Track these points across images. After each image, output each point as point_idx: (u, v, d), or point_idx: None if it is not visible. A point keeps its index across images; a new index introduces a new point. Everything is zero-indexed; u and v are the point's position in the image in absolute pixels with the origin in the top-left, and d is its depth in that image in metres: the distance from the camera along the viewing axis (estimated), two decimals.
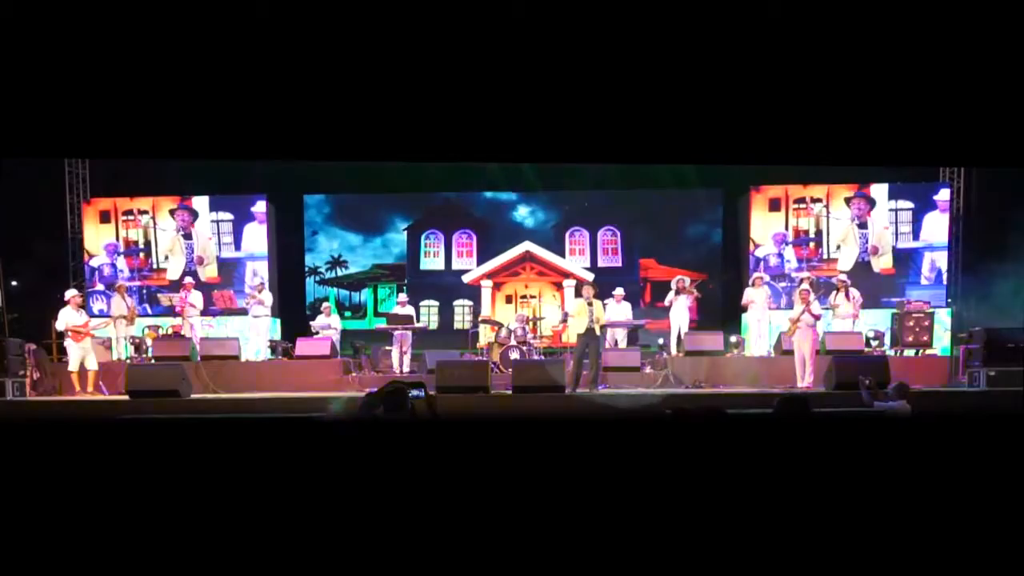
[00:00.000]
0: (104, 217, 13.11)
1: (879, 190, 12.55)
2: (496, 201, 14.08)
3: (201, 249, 13.00)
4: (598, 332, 9.77)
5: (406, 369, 11.30)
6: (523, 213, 14.10)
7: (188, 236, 13.03)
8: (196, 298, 11.90)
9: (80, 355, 10.35)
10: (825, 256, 12.65)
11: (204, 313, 12.05)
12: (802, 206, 12.69)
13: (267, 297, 11.84)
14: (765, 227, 12.75)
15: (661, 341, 11.87)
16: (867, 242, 12.57)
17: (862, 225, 12.60)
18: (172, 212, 13.06)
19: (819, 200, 12.64)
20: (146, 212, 13.08)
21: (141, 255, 13.08)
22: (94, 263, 13.04)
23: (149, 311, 12.42)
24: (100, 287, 12.94)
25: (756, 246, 12.71)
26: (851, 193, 12.62)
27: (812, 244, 12.69)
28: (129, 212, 13.09)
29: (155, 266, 13.08)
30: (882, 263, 12.59)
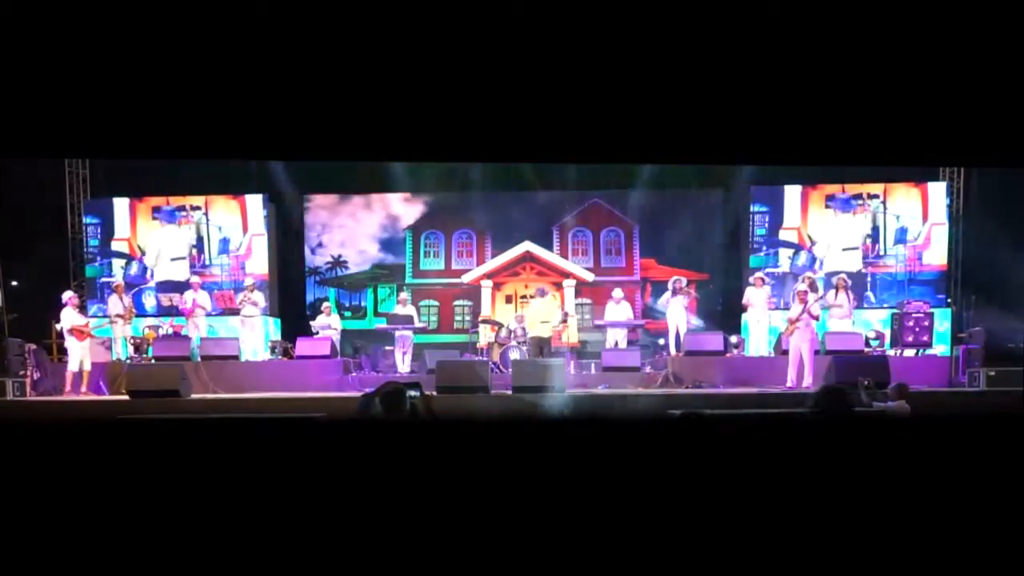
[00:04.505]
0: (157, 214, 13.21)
1: (936, 188, 12.52)
2: (496, 201, 14.06)
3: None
4: (544, 334, 10.67)
5: (406, 369, 11.30)
6: (523, 213, 14.08)
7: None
8: (204, 299, 11.94)
9: (80, 355, 10.42)
10: (882, 252, 12.62)
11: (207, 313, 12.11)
12: (859, 202, 12.68)
13: (259, 297, 11.86)
14: (822, 224, 12.73)
15: (662, 341, 11.87)
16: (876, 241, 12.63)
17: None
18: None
19: (876, 196, 12.62)
20: (198, 208, 13.13)
21: (193, 251, 13.12)
22: (147, 261, 13.12)
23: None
24: (152, 284, 13.04)
25: (813, 243, 12.71)
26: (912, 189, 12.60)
27: (868, 240, 12.67)
28: (181, 208, 13.14)
29: (207, 262, 13.10)
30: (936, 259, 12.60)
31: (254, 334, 11.71)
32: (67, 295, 10.87)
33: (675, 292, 11.37)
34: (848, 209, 12.64)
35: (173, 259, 13.09)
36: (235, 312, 12.40)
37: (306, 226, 14.10)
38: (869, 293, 12.56)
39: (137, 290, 12.60)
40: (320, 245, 14.12)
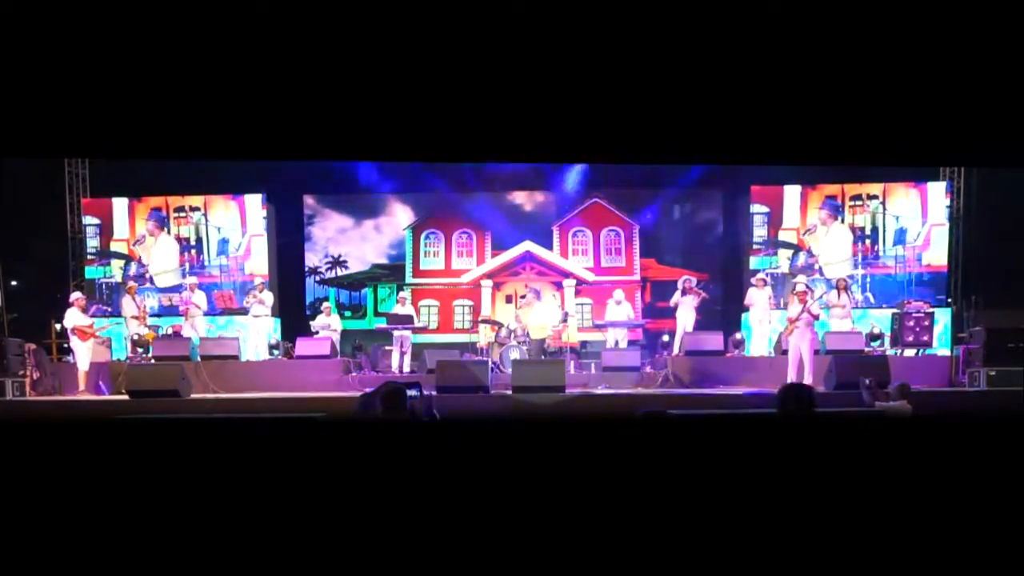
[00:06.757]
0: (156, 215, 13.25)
1: (936, 188, 12.51)
2: (497, 201, 14.06)
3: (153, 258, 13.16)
4: (543, 335, 10.94)
5: (406, 369, 11.29)
6: (524, 213, 14.08)
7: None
8: (200, 298, 11.95)
9: (87, 355, 10.50)
10: (881, 253, 12.62)
11: (204, 313, 12.10)
12: (859, 203, 12.68)
13: (267, 297, 11.87)
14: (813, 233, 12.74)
15: (666, 338, 11.84)
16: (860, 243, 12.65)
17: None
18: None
19: (875, 197, 12.62)
20: (198, 209, 13.15)
21: (192, 251, 13.14)
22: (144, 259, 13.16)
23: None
24: (149, 285, 13.09)
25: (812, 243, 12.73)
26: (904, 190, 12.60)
27: (867, 241, 12.68)
28: (181, 209, 13.16)
29: (207, 263, 13.12)
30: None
31: (260, 334, 11.74)
32: (75, 295, 11.04)
33: (684, 292, 11.35)
34: (838, 215, 12.64)
35: (167, 269, 13.13)
36: (235, 312, 12.40)
37: (306, 229, 14.11)
38: (868, 294, 12.56)
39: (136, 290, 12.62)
40: (326, 255, 14.16)
